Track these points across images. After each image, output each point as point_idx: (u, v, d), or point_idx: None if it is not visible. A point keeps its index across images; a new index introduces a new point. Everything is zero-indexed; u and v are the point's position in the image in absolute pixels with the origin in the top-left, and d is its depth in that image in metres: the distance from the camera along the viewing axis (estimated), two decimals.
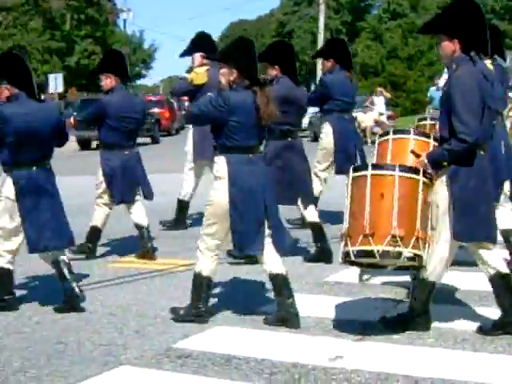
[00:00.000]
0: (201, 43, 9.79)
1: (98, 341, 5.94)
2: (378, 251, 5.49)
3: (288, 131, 8.37)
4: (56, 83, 39.52)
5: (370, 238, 5.49)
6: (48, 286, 7.62)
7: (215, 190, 6.15)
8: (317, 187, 9.74)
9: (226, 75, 6.16)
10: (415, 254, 5.54)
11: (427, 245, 5.61)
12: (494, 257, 5.73)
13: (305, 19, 73.75)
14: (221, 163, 6.13)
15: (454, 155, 5.53)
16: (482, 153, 5.62)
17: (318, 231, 8.56)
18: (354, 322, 6.19)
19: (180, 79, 10.23)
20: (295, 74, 8.45)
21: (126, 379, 5.17)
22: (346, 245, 5.66)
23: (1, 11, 54.96)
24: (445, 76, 6.33)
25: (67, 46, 56.09)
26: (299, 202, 8.54)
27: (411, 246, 5.50)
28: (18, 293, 7.29)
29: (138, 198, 9.01)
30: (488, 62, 7.69)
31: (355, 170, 5.79)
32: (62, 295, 6.84)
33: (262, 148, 6.41)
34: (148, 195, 9.09)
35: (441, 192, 5.62)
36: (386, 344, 5.66)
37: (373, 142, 25.71)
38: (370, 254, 5.53)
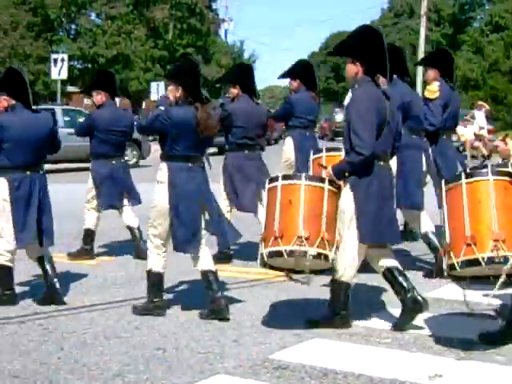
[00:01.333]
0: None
1: (196, 348, 5.98)
2: (285, 250, 6.09)
3: (245, 144, 9.33)
4: (158, 91, 40.13)
5: (279, 239, 6.11)
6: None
7: (157, 194, 6.88)
8: None
9: (172, 92, 6.95)
10: (320, 253, 6.11)
11: (334, 246, 6.18)
12: (387, 255, 6.44)
13: (405, 31, 73.15)
14: (163, 169, 6.88)
15: (352, 166, 6.17)
16: (381, 163, 6.23)
17: None
18: (455, 339, 6.06)
19: None
20: (254, 93, 9.45)
21: None
22: (261, 248, 6.27)
23: (106, 20, 56.18)
24: (349, 94, 7.06)
25: (169, 55, 56.92)
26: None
27: (316, 246, 6.09)
28: (120, 297, 7.41)
29: (125, 203, 9.78)
30: (437, 84, 8.69)
31: (270, 182, 6.46)
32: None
33: (202, 158, 7.05)
34: (135, 200, 9.85)
35: (346, 199, 6.23)
36: (488, 364, 5.52)
37: (473, 156, 25.37)
38: (279, 253, 6.13)
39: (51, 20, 55.73)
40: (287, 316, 6.85)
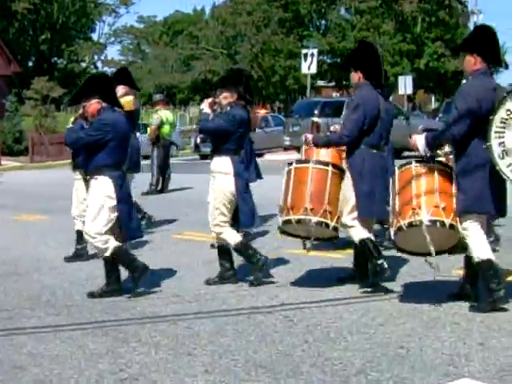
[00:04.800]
0: (121, 76, 11.26)
1: (441, 349, 5.85)
2: (294, 219, 7.64)
3: None
4: (405, 85, 39.91)
5: (290, 210, 7.67)
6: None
7: (222, 183, 8.11)
8: None
9: (228, 98, 8.18)
10: (321, 222, 7.60)
11: (336, 216, 7.64)
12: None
13: None
14: (226, 162, 8.10)
15: (328, 142, 8.09)
16: (374, 151, 7.64)
17: None
18: None
19: None
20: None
21: None
22: (280, 217, 7.81)
23: (355, 14, 56.51)
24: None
25: (417, 49, 56.30)
26: None
27: (319, 215, 7.57)
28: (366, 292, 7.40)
29: None
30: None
31: (288, 165, 7.97)
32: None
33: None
34: None
35: (345, 180, 7.69)
36: None
37: None
38: (290, 221, 7.70)
39: (302, 16, 56.84)
40: None
